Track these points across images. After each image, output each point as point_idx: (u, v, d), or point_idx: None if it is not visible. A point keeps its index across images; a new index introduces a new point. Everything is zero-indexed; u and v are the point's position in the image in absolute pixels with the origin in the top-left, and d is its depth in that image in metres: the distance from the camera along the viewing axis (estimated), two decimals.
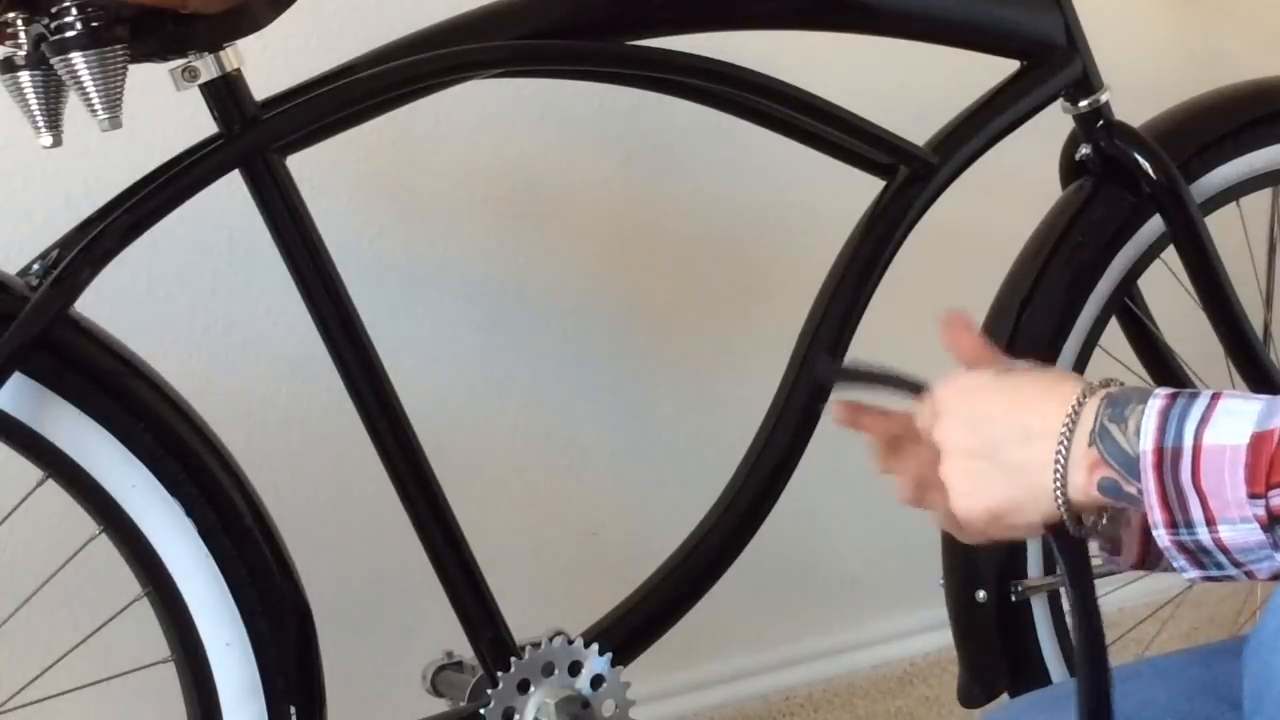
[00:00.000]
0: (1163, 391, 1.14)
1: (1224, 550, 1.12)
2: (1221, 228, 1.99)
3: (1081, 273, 1.90)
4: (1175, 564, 1.15)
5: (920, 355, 2.42)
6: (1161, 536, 1.13)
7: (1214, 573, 1.14)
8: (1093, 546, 1.25)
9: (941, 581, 1.90)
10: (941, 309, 1.32)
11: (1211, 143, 1.96)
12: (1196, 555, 1.13)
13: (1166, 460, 1.12)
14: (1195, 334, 2.01)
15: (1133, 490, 1.14)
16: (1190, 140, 1.96)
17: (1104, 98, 1.91)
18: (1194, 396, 1.13)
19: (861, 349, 1.85)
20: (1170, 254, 1.94)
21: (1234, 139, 1.97)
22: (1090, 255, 1.90)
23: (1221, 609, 2.52)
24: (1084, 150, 1.93)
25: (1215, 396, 1.12)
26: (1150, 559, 1.29)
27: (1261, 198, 2.08)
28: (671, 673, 2.26)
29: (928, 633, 2.40)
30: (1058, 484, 1.16)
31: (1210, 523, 1.11)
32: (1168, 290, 1.99)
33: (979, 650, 1.90)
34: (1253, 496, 1.10)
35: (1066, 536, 1.20)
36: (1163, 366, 2.02)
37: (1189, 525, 1.12)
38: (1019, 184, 2.11)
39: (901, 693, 2.45)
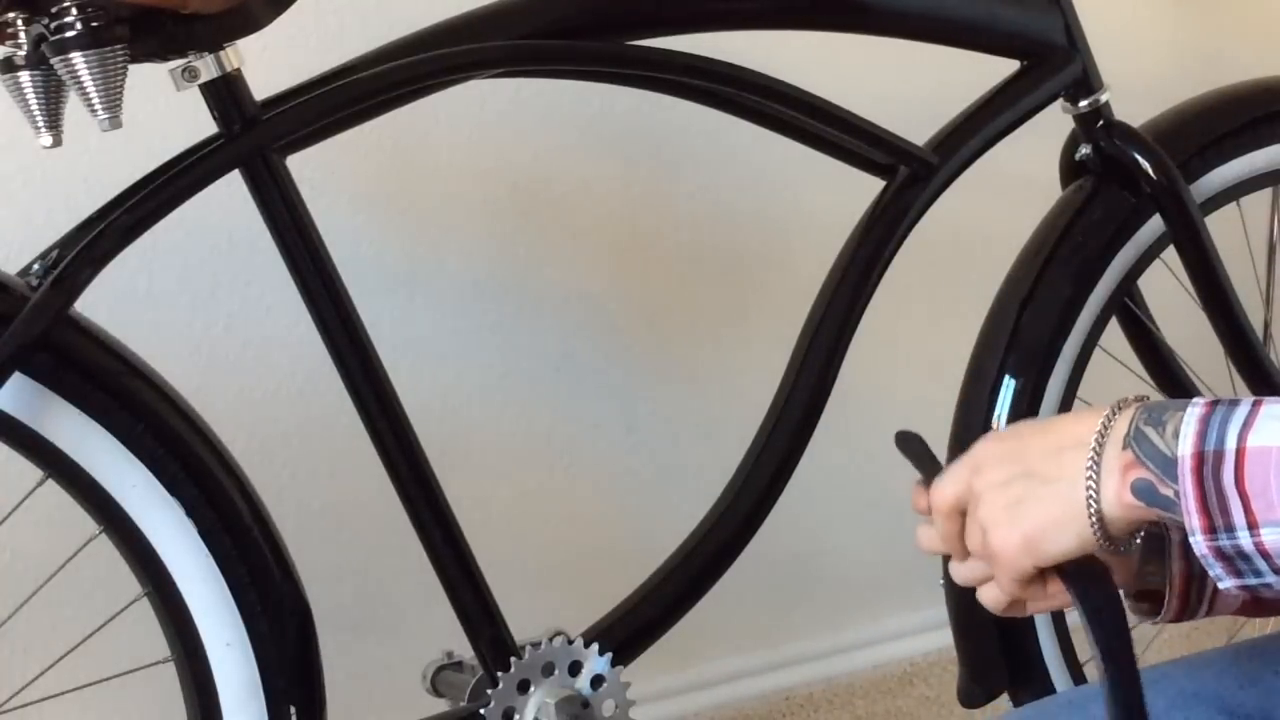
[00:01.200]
0: (1202, 400, 1.13)
1: (1265, 555, 1.11)
2: (1221, 228, 1.99)
3: (1081, 273, 1.90)
4: (1211, 572, 1.13)
5: (921, 356, 2.42)
6: (1199, 543, 1.12)
7: (1251, 581, 1.12)
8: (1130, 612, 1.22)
9: (941, 581, 1.90)
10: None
11: (1211, 143, 1.96)
12: (1234, 562, 1.12)
13: (1207, 464, 1.11)
14: (1195, 334, 2.01)
15: (1169, 493, 1.12)
16: (1190, 140, 1.95)
17: (1104, 98, 1.91)
18: (1235, 403, 1.12)
19: (861, 349, 1.86)
20: (1170, 254, 1.94)
21: (1234, 139, 1.97)
22: (1090, 255, 1.90)
23: None
24: (1084, 150, 1.93)
25: (1258, 403, 1.11)
26: (1190, 608, 1.27)
27: (1261, 198, 2.08)
28: (671, 673, 2.27)
29: (928, 633, 2.40)
30: (1090, 491, 1.15)
31: (1253, 526, 1.10)
32: (1168, 290, 1.99)
33: (979, 650, 1.90)
34: None
35: (1095, 590, 1.18)
36: (1163, 366, 2.02)
37: (1229, 530, 1.11)
38: (1019, 184, 2.11)
39: (901, 693, 2.45)
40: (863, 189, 1.87)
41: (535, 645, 1.71)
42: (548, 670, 1.71)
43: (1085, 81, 1.90)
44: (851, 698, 2.43)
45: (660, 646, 1.80)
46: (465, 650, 1.73)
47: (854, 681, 2.44)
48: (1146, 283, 1.97)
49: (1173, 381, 2.02)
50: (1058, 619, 1.91)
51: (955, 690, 1.93)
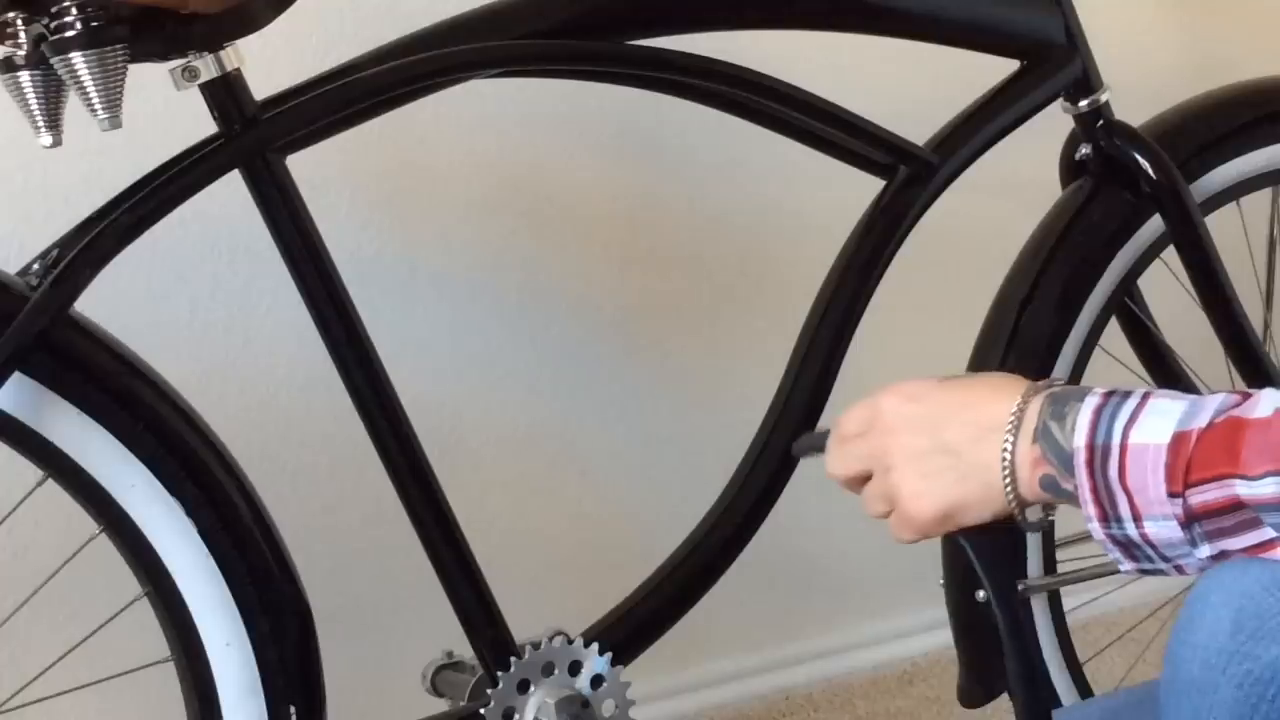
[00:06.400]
0: (1100, 389, 1.18)
1: (1151, 545, 1.16)
2: (1221, 228, 1.99)
3: (1081, 273, 1.90)
4: (1111, 556, 1.18)
5: (920, 356, 2.42)
6: (1096, 530, 1.17)
7: (1146, 565, 1.18)
8: None
9: (941, 581, 1.90)
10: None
11: (1211, 143, 1.96)
12: (1129, 549, 1.17)
13: (1097, 457, 1.15)
14: (1195, 334, 2.01)
15: (1069, 487, 1.17)
16: (1190, 140, 1.96)
17: (1104, 98, 1.91)
18: (1127, 395, 1.16)
19: (862, 349, 1.86)
20: (1170, 254, 1.94)
21: (1234, 139, 1.97)
22: (1090, 255, 1.90)
23: None
24: (1084, 150, 1.93)
25: (1146, 395, 1.16)
26: None
27: (1261, 198, 2.08)
28: (671, 673, 2.27)
29: (928, 633, 2.40)
30: (1007, 481, 1.19)
31: (1137, 519, 1.15)
32: (1168, 290, 1.99)
33: (979, 650, 1.90)
34: (1172, 495, 1.13)
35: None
36: (1162, 366, 2.02)
37: (1119, 520, 1.16)
38: (1019, 184, 2.11)
39: (901, 693, 2.45)
40: (863, 189, 1.87)
41: (535, 645, 1.71)
42: (548, 670, 1.71)
43: (1085, 81, 1.90)
44: (851, 698, 2.43)
45: (660, 646, 1.80)
46: (465, 650, 1.73)
47: (854, 681, 2.44)
48: (1146, 283, 1.97)
49: (1172, 382, 2.02)
50: (1058, 621, 1.91)
51: (955, 690, 1.93)
